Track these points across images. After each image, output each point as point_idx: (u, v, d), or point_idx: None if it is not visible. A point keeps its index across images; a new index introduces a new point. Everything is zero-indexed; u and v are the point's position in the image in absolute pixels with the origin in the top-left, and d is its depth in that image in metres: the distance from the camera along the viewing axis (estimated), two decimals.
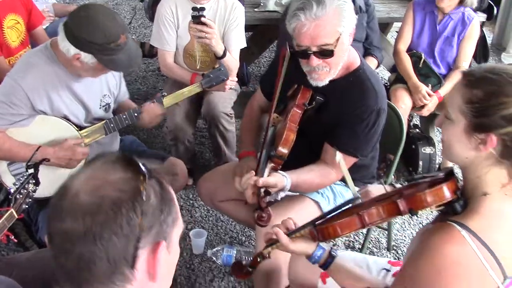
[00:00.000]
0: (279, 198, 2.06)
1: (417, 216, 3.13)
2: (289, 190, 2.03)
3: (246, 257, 2.71)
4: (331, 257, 1.52)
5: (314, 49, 1.92)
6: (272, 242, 1.60)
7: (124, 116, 2.32)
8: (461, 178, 1.39)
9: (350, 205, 1.55)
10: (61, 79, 2.20)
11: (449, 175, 1.37)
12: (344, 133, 2.07)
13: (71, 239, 0.86)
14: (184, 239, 2.94)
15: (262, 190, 1.91)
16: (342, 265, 1.52)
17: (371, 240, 2.99)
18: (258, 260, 1.65)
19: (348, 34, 1.96)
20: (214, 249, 2.78)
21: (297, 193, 2.20)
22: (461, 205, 1.31)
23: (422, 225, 2.80)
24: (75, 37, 2.05)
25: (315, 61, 1.95)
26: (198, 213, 3.17)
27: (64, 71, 2.19)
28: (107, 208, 0.86)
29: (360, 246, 2.82)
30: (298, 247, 1.53)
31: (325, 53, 1.93)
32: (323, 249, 1.52)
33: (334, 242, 2.95)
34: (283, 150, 2.02)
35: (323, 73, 2.00)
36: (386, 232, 2.91)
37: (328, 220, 1.53)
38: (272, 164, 2.04)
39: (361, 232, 2.95)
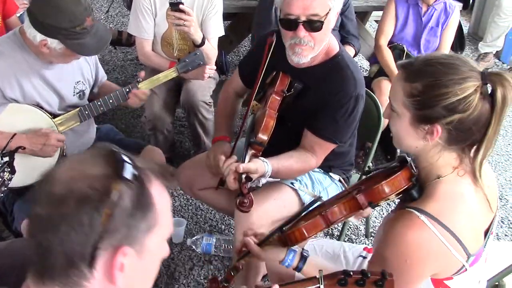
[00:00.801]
0: (260, 184, 2.07)
1: (383, 205, 3.16)
2: (270, 176, 2.03)
3: (226, 245, 2.71)
4: (303, 258, 1.53)
5: (303, 18, 1.92)
6: (244, 254, 1.62)
7: (99, 103, 2.29)
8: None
9: (316, 204, 1.56)
10: (31, 66, 2.16)
11: (403, 163, 1.40)
12: (323, 119, 2.07)
13: (36, 224, 0.86)
14: None
15: (244, 176, 1.91)
16: (315, 264, 1.53)
17: (350, 227, 3.01)
18: (232, 274, 1.65)
19: (335, 13, 1.97)
20: (194, 238, 2.78)
21: (277, 180, 2.20)
22: (417, 190, 1.36)
23: None
24: (39, 23, 2.01)
25: (302, 32, 1.94)
26: (177, 202, 3.16)
27: (34, 58, 2.15)
28: (72, 201, 0.85)
29: (338, 234, 2.83)
30: (270, 254, 1.55)
31: (314, 24, 1.93)
32: (294, 251, 1.53)
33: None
34: (263, 136, 2.02)
35: (306, 48, 1.99)
36: (365, 219, 2.94)
37: (294, 224, 1.55)
38: (253, 151, 2.04)
39: None
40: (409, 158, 1.43)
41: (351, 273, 1.19)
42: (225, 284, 1.66)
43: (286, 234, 1.51)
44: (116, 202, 0.86)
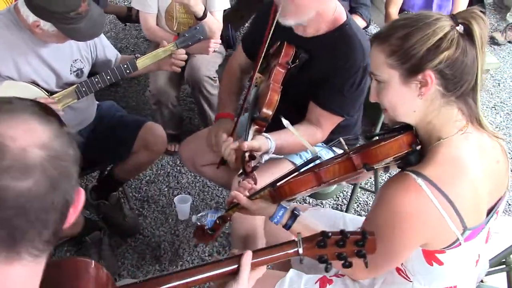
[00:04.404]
0: (263, 161, 2.00)
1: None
2: (273, 153, 1.97)
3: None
4: (293, 216, 1.47)
5: None
6: (233, 205, 1.56)
7: (96, 80, 2.25)
8: None
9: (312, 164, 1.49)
10: (27, 44, 2.13)
11: (407, 128, 1.32)
12: (330, 91, 2.00)
13: None
14: (170, 205, 2.92)
15: (247, 154, 1.85)
16: (305, 224, 1.47)
17: (360, 204, 2.94)
18: (218, 222, 1.61)
19: None
20: (199, 215, 2.76)
21: (281, 156, 2.14)
22: (415, 156, 1.27)
23: None
24: (33, 4, 1.98)
25: None
26: (185, 179, 3.13)
27: (29, 35, 2.11)
28: None
29: (346, 210, 2.76)
30: (259, 207, 1.49)
31: None
32: (284, 208, 1.47)
33: (322, 206, 2.91)
34: (267, 111, 1.95)
35: (286, 10, 1.90)
36: (374, 195, 2.86)
37: (287, 180, 1.48)
38: (256, 127, 1.97)
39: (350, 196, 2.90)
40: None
41: (330, 234, 1.12)
42: (210, 232, 1.63)
43: (277, 188, 1.46)
44: None
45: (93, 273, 1.00)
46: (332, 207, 2.91)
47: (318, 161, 1.43)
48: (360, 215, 2.86)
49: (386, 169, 1.53)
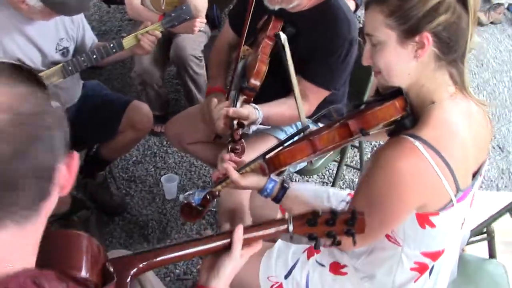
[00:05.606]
0: (250, 131, 2.04)
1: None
2: (261, 124, 2.00)
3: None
4: (283, 189, 1.48)
5: None
6: (222, 180, 1.54)
7: (82, 58, 2.23)
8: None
9: (301, 135, 1.50)
10: (12, 21, 2.10)
11: (398, 93, 1.34)
12: (316, 64, 2.02)
13: None
14: (157, 185, 2.93)
15: (235, 122, 1.87)
16: (295, 196, 1.49)
17: (345, 181, 2.97)
18: (208, 198, 1.59)
19: None
20: (186, 194, 2.77)
21: (267, 127, 2.17)
22: (410, 120, 1.29)
23: None
24: None
25: None
26: (171, 159, 3.14)
27: (14, 13, 2.08)
28: None
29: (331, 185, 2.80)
30: (249, 181, 1.48)
31: None
32: (274, 181, 1.48)
33: (308, 182, 2.94)
34: (255, 82, 1.98)
35: None
36: (359, 172, 2.89)
37: (280, 150, 1.48)
38: (244, 97, 1.99)
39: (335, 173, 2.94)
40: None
41: (320, 213, 1.15)
42: (200, 209, 1.61)
43: (269, 159, 1.45)
44: None
45: (85, 244, 0.99)
46: (317, 184, 2.94)
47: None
48: None
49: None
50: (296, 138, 1.50)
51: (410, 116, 1.30)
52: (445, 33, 1.24)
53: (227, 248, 1.14)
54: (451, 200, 1.26)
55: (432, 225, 1.30)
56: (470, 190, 1.33)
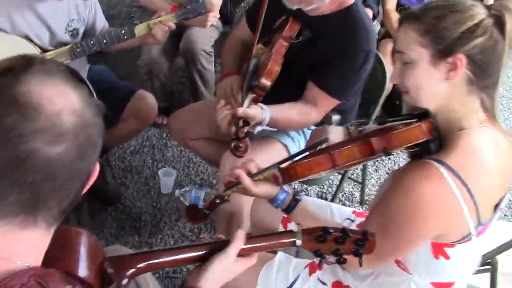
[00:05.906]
0: (255, 131, 1.99)
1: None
2: (268, 125, 1.95)
3: None
4: (294, 201, 1.43)
5: None
6: (233, 185, 1.48)
7: (92, 42, 2.17)
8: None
9: (318, 148, 1.45)
10: None
11: (424, 116, 1.29)
12: (329, 72, 1.97)
13: None
14: (153, 178, 2.87)
15: (241, 120, 1.82)
16: (305, 209, 1.44)
17: (344, 193, 2.93)
18: (216, 202, 1.52)
19: None
20: (182, 190, 2.71)
21: (274, 129, 2.12)
22: (436, 144, 1.25)
23: None
24: None
25: None
26: (170, 152, 3.08)
27: None
28: None
29: (331, 198, 2.75)
30: (261, 189, 1.43)
31: None
32: (286, 192, 1.43)
33: (307, 192, 2.89)
34: (266, 81, 1.92)
35: None
36: (360, 186, 2.85)
37: (294, 161, 1.43)
38: (254, 95, 1.94)
39: (335, 184, 2.89)
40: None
41: (331, 231, 1.10)
42: (206, 212, 1.56)
43: (284, 170, 1.39)
44: None
45: (84, 242, 0.97)
46: (317, 194, 2.89)
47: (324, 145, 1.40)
48: (344, 204, 2.84)
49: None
50: (311, 150, 1.45)
51: (437, 140, 1.25)
52: (480, 56, 1.20)
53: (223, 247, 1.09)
54: (470, 233, 1.21)
55: (447, 257, 1.25)
56: (488, 224, 1.28)
